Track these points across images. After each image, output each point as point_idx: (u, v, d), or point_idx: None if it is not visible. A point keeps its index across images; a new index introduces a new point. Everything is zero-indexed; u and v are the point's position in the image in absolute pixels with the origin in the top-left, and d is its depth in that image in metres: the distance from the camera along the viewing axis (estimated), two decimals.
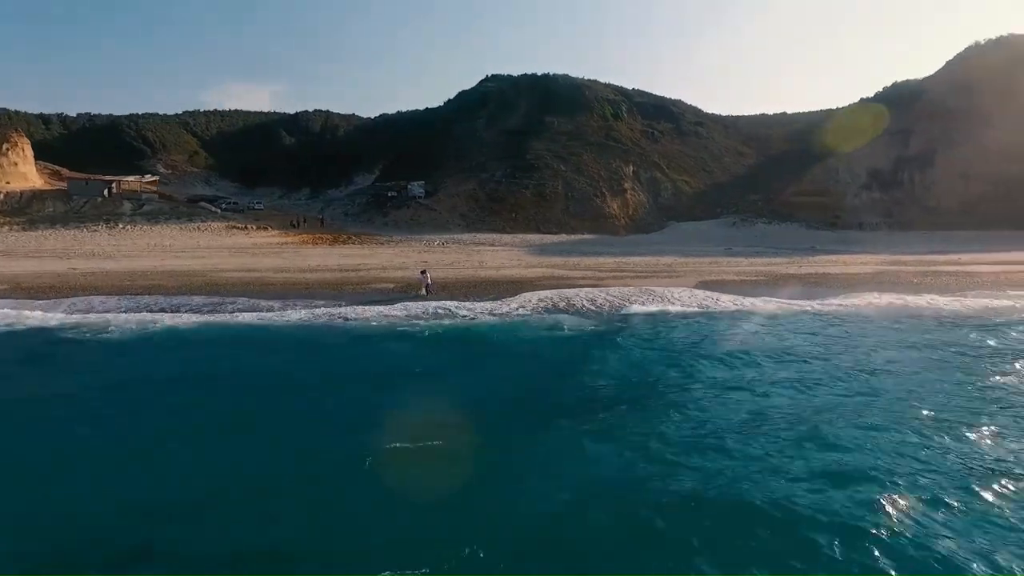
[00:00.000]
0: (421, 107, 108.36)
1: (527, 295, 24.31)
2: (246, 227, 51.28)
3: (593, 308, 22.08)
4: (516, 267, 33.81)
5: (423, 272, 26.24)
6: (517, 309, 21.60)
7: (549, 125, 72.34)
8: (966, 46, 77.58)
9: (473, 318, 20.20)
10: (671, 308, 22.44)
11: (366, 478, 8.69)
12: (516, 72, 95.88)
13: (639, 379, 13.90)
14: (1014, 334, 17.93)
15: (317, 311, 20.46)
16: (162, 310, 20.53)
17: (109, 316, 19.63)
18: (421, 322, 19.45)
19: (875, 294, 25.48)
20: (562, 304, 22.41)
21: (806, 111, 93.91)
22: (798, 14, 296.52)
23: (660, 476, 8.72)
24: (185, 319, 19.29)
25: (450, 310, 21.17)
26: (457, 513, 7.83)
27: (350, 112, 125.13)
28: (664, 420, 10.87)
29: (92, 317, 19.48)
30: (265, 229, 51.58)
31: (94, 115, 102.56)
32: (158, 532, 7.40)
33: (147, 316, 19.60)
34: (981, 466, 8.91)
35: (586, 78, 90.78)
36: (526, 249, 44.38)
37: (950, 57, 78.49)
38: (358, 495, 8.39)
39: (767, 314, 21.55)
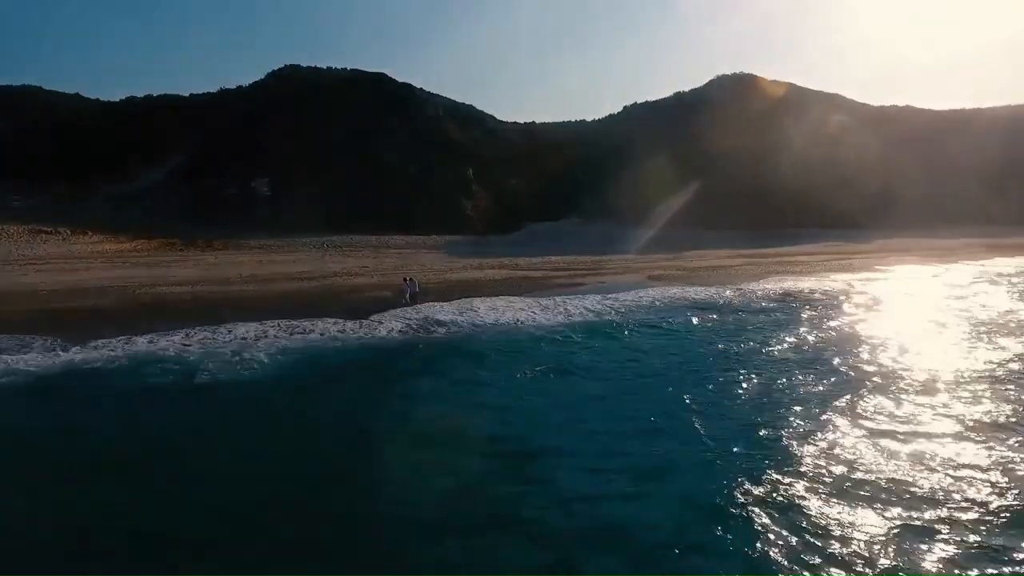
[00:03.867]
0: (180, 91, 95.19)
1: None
2: (57, 231, 40.13)
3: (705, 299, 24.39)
4: (466, 270, 33.86)
5: (406, 279, 25.65)
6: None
7: (391, 124, 70.40)
8: (710, 78, 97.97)
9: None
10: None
11: None
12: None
13: None
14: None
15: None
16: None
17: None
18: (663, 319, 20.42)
19: (779, 277, 32.75)
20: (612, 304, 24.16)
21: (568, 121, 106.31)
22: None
23: None
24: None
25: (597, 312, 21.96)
26: None
27: (74, 91, 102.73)
28: None
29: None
30: (84, 233, 41.06)
31: None
32: None
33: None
34: None
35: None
36: (440, 252, 43.83)
37: (698, 84, 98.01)
38: None
39: (760, 299, 26.46)
